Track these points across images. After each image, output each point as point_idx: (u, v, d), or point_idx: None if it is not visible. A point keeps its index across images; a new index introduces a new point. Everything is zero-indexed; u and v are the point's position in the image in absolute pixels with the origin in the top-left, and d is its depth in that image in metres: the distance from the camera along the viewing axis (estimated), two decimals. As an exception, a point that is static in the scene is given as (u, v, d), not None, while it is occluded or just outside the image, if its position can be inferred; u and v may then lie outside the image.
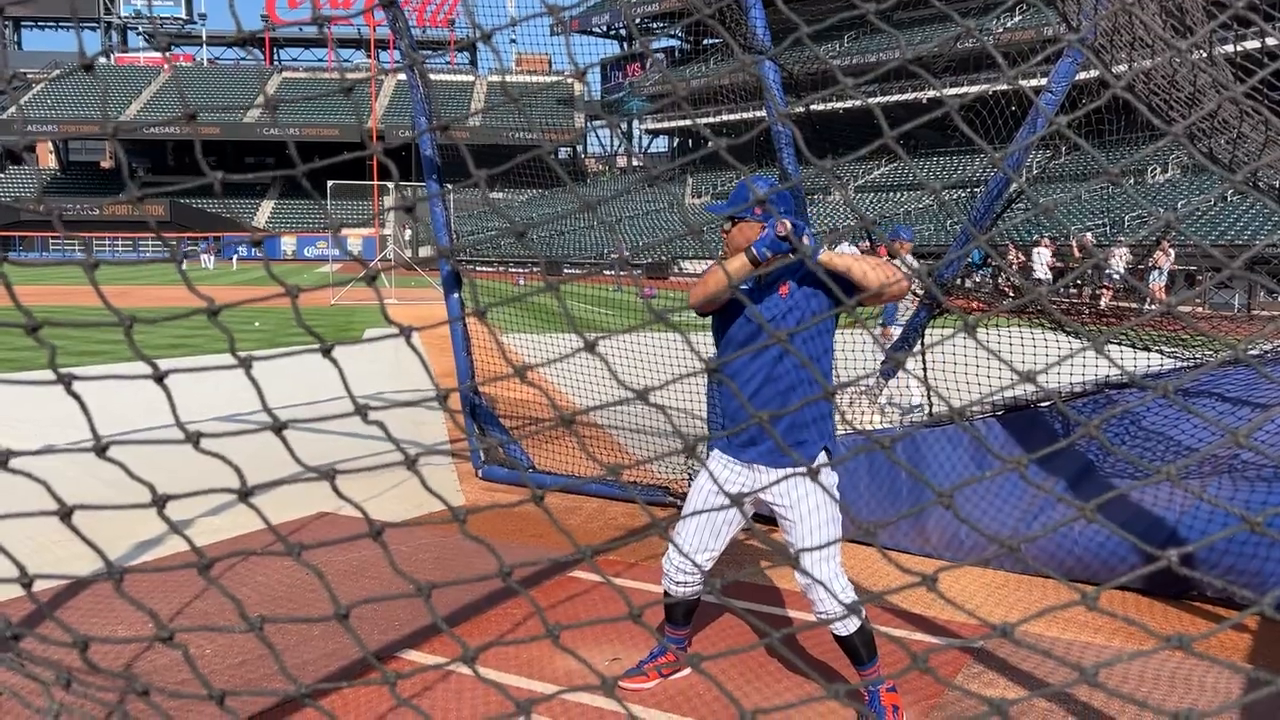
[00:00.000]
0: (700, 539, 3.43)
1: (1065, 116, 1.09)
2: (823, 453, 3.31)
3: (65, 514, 1.09)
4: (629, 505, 6.25)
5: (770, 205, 3.26)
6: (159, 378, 1.05)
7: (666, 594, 3.58)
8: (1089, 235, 25.70)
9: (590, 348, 1.11)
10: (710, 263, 3.53)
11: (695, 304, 3.29)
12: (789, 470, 3.19)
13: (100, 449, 1.06)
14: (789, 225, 3.02)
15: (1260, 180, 5.12)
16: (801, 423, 3.27)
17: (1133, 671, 3.81)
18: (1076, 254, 21.40)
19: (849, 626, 3.26)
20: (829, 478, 3.41)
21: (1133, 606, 4.55)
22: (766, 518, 4.31)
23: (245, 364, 1.10)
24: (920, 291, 5.86)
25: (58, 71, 62.82)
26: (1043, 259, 21.58)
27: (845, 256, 3.11)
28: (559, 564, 4.94)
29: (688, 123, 52.29)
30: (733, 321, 3.33)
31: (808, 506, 3.23)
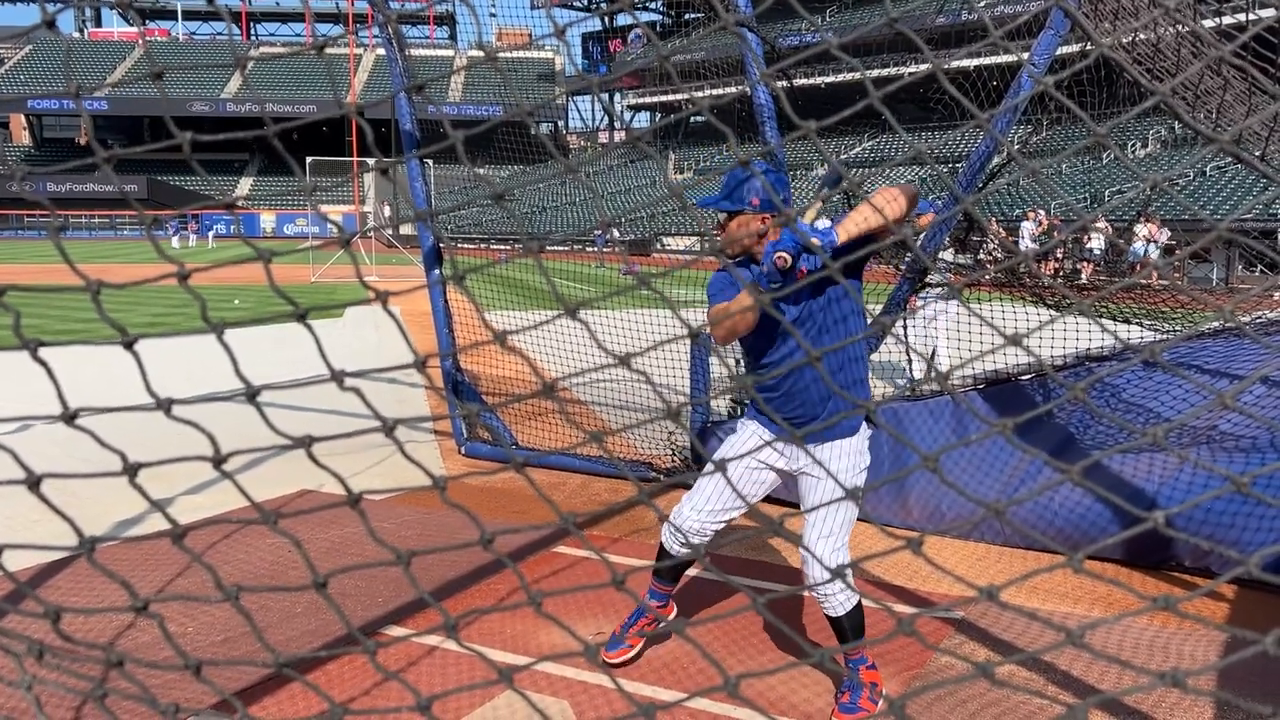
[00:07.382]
0: (723, 500, 3.33)
1: (1051, 76, 1.07)
2: (864, 424, 3.27)
3: (34, 483, 1.06)
4: (612, 481, 6.25)
5: (781, 209, 3.12)
6: (128, 344, 1.03)
7: (663, 550, 3.50)
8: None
9: (573, 313, 1.09)
10: (689, 242, 3.47)
11: (723, 340, 3.18)
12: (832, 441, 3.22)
13: (69, 416, 1.03)
14: (788, 258, 2.89)
15: (1243, 149, 5.13)
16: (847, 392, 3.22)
17: (1112, 640, 3.85)
18: (1055, 225, 21.49)
19: (843, 606, 3.22)
20: (865, 457, 3.32)
21: (1112, 576, 4.59)
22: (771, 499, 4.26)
23: (218, 329, 1.07)
24: (902, 267, 5.86)
25: (29, 47, 61.82)
26: (1029, 232, 21.66)
27: (851, 218, 2.93)
28: (542, 539, 4.93)
29: (670, 98, 52.02)
30: (769, 318, 3.21)
31: (834, 481, 3.22)
